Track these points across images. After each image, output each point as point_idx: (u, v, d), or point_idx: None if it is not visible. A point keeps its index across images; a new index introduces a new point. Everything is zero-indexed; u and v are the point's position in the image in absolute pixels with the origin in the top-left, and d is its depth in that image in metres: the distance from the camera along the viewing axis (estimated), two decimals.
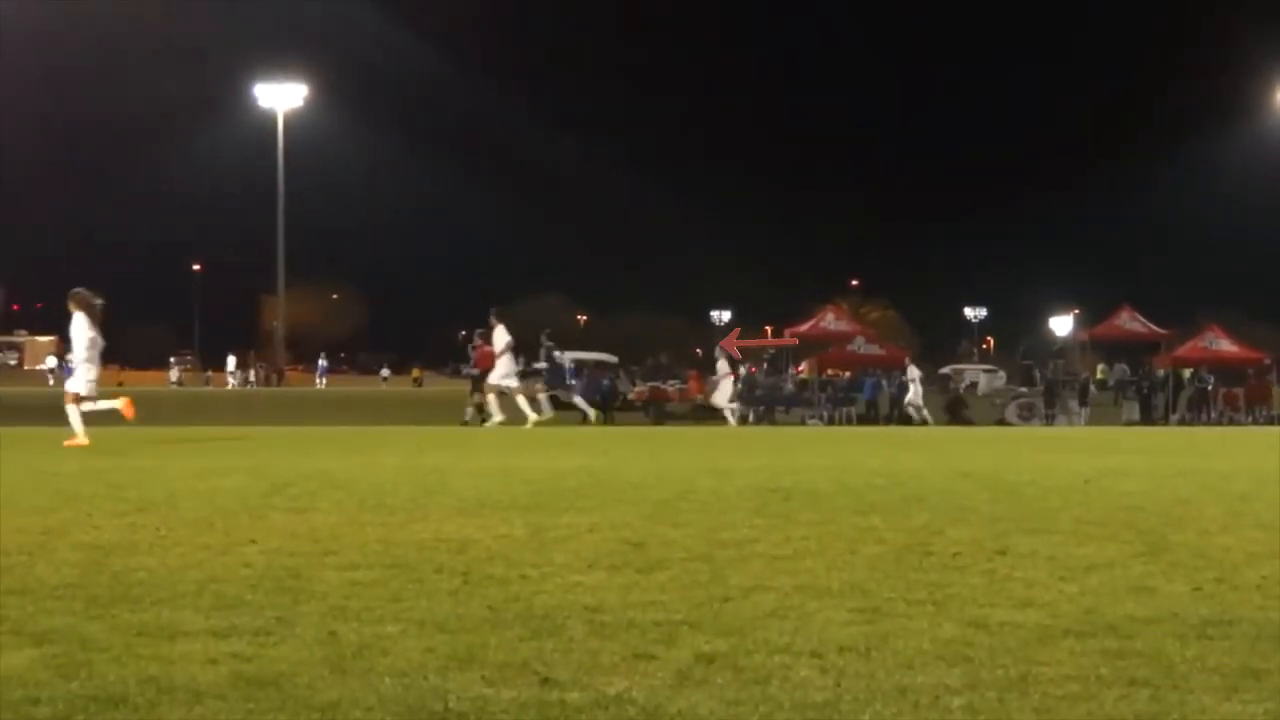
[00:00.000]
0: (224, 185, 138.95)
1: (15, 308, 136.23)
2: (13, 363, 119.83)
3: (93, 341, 22.07)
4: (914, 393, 43.76)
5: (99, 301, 22.41)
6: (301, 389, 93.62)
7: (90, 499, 12.04)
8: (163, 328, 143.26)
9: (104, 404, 22.32)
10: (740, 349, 39.49)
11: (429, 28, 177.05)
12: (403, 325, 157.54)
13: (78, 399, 21.94)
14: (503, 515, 10.63)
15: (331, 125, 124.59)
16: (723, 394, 39.80)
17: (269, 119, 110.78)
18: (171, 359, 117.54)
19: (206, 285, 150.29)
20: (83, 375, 22.13)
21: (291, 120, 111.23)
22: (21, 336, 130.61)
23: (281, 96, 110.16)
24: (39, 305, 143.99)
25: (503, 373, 31.80)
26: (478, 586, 7.19)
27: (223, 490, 13.05)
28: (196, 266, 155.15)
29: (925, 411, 42.80)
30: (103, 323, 22.53)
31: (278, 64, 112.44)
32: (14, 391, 54.81)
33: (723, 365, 40.00)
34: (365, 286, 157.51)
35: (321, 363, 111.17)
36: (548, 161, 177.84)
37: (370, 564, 7.96)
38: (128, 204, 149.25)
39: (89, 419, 21.84)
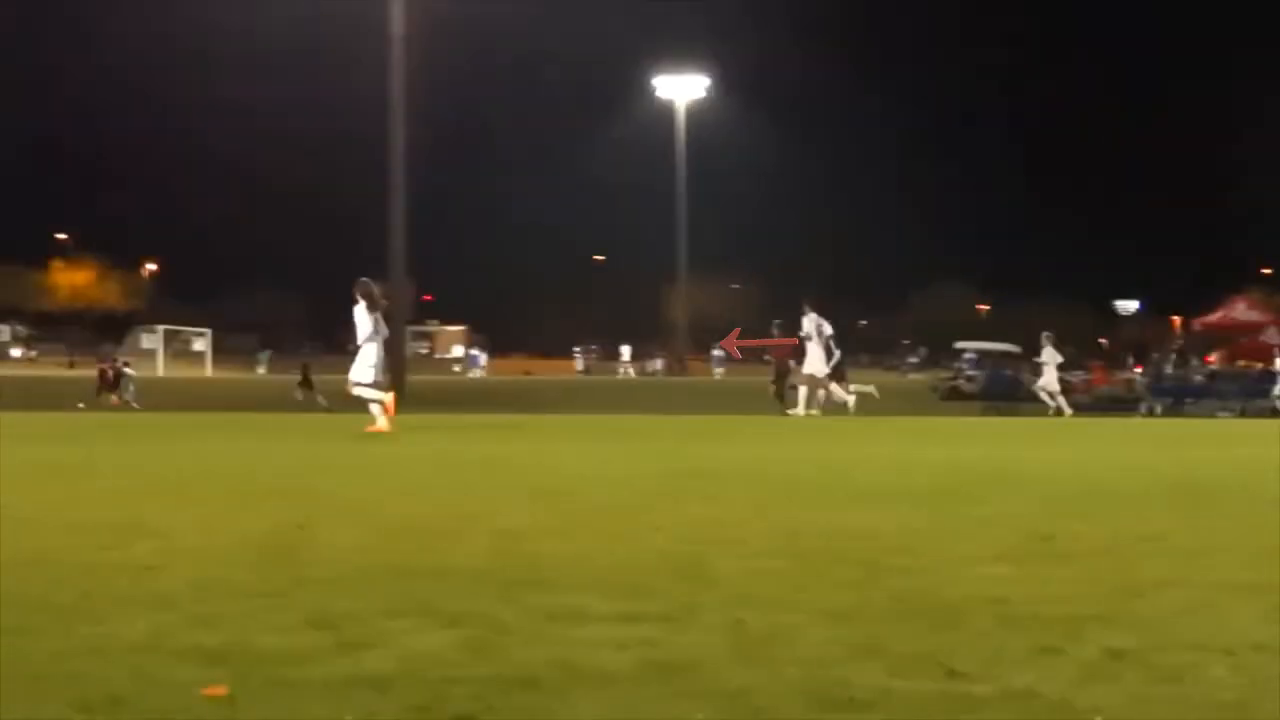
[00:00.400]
0: (626, 176, 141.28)
1: (427, 298, 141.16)
2: (424, 351, 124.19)
3: (375, 329, 22.71)
4: None
5: (378, 292, 23.10)
6: (699, 379, 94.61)
7: (500, 485, 12.37)
8: (568, 318, 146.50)
9: (370, 394, 22.84)
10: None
11: (822, 19, 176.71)
12: (800, 313, 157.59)
13: (359, 385, 22.63)
14: (906, 506, 10.52)
15: (730, 115, 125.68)
16: (1048, 379, 39.02)
17: (670, 110, 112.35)
18: (577, 349, 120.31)
19: (609, 275, 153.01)
20: (363, 362, 22.74)
21: (691, 111, 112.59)
22: (432, 326, 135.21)
23: (682, 88, 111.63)
24: (426, 298, 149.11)
25: (816, 363, 31.73)
26: (881, 577, 7.12)
27: (628, 477, 13.27)
28: (599, 257, 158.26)
29: None
30: (386, 313, 23.23)
31: (678, 56, 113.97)
32: (424, 380, 56.61)
33: (1048, 353, 39.13)
34: (766, 276, 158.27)
35: (717, 352, 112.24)
36: (942, 149, 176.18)
37: (774, 553, 7.97)
38: (533, 195, 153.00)
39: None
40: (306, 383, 43.05)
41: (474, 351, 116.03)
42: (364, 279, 23.43)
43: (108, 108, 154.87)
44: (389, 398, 22.80)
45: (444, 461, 15.70)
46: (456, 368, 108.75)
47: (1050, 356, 38.97)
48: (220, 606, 6.15)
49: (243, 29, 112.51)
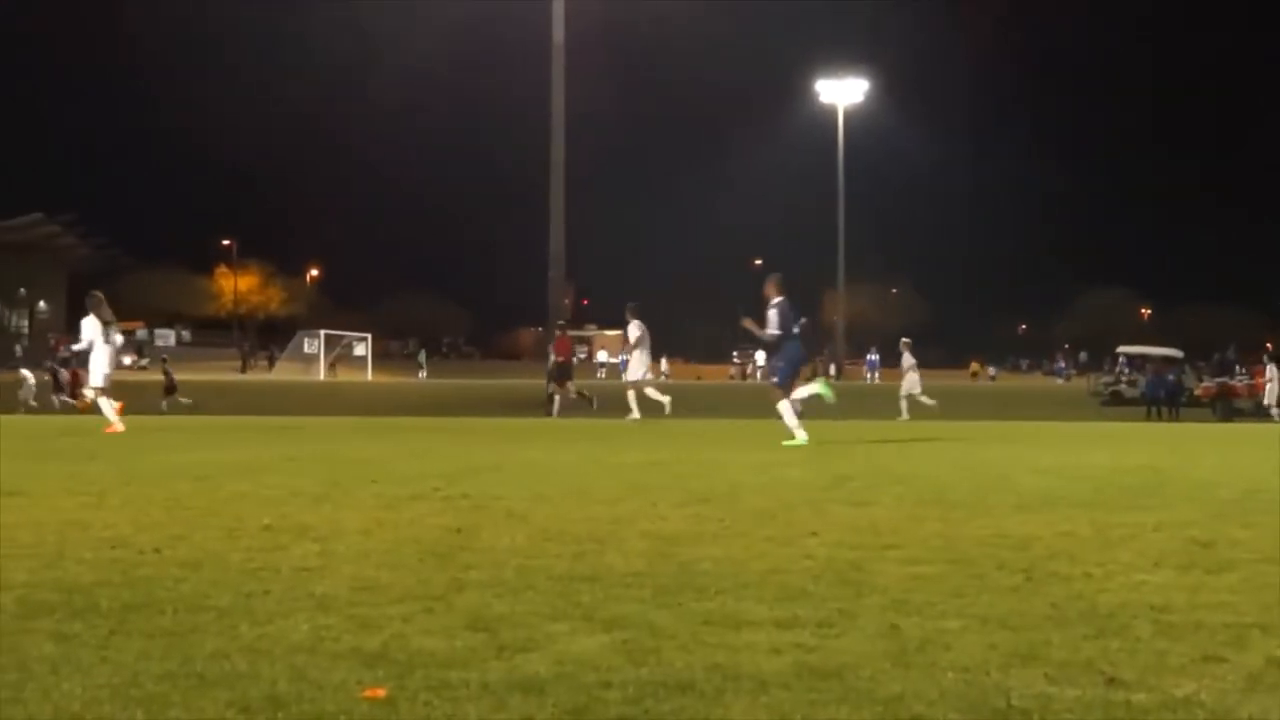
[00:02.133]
0: (785, 180, 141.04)
1: (585, 302, 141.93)
2: (582, 356, 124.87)
3: (105, 338, 24.53)
4: None
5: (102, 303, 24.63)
6: (854, 383, 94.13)
7: (656, 489, 12.40)
8: (724, 323, 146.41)
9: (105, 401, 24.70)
10: None
11: (982, 21, 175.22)
12: (962, 320, 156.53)
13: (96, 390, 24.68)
14: (1065, 512, 10.41)
15: (891, 119, 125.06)
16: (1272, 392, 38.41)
17: (830, 114, 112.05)
18: (734, 354, 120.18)
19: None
20: (97, 369, 24.74)
21: (852, 115, 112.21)
22: (591, 331, 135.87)
23: (842, 92, 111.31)
24: (584, 301, 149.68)
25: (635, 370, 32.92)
26: (1040, 584, 7.05)
27: (784, 482, 13.24)
28: (758, 261, 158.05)
29: None
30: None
31: (839, 59, 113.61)
32: (579, 385, 56.80)
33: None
34: (925, 281, 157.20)
35: (871, 357, 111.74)
36: (1105, 151, 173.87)
37: (931, 559, 7.92)
38: (692, 199, 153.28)
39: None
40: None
41: (626, 356, 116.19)
42: (94, 292, 25.04)
43: (271, 117, 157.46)
44: (94, 397, 24.72)
45: (600, 466, 15.76)
46: (601, 373, 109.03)
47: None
48: (380, 609, 6.23)
49: (403, 38, 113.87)
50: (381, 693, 4.70)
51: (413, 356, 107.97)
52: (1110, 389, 59.34)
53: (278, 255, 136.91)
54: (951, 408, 41.85)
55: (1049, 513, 10.38)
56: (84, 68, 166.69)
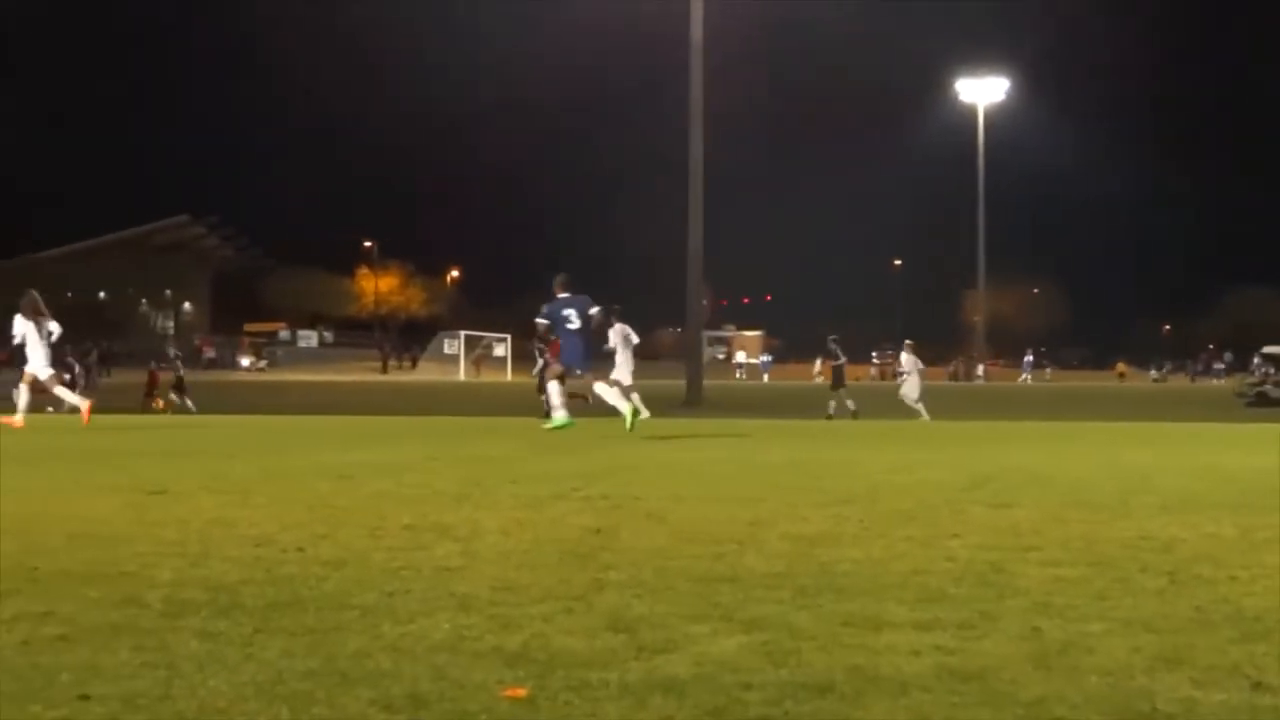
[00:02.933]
0: (925, 180, 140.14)
1: (724, 303, 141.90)
2: (721, 356, 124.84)
3: (39, 334, 25.25)
4: None
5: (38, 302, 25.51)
6: (1002, 384, 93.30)
7: (795, 490, 12.37)
8: (865, 324, 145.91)
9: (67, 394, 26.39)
10: None
11: (1132, 16, 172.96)
12: (1104, 319, 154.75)
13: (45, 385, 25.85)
14: (1210, 514, 10.25)
15: (1033, 118, 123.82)
16: None
17: (970, 113, 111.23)
18: (874, 355, 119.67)
19: (907, 280, 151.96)
20: (38, 364, 25.49)
21: (992, 114, 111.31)
22: (729, 331, 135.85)
23: (982, 91, 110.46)
24: (745, 300, 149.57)
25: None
26: (1184, 587, 6.95)
27: (923, 483, 13.16)
28: (897, 261, 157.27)
29: None
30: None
31: (979, 58, 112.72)
32: (716, 384, 56.90)
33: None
34: (1067, 280, 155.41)
35: (1027, 358, 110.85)
36: (1252, 146, 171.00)
37: (1073, 561, 7.83)
38: (831, 199, 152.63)
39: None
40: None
41: (765, 357, 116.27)
42: (30, 291, 25.82)
43: (414, 118, 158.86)
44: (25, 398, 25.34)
45: (739, 466, 15.76)
46: (739, 374, 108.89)
47: None
48: (520, 609, 6.26)
49: (544, 38, 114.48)
50: (522, 692, 4.72)
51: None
52: (1256, 390, 58.33)
53: (418, 256, 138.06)
54: (1095, 408, 41.35)
55: (1193, 514, 10.23)
56: (228, 69, 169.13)
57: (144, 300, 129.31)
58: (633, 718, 4.48)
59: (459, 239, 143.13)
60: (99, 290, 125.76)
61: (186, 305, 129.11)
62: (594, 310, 23.36)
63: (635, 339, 33.84)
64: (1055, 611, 6.23)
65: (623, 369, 33.54)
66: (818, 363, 52.41)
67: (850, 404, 39.70)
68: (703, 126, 50.63)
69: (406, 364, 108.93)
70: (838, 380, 41.43)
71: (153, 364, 51.16)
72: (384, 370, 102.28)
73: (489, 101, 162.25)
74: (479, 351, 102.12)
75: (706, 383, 50.95)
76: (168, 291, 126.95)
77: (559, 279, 23.81)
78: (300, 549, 8.14)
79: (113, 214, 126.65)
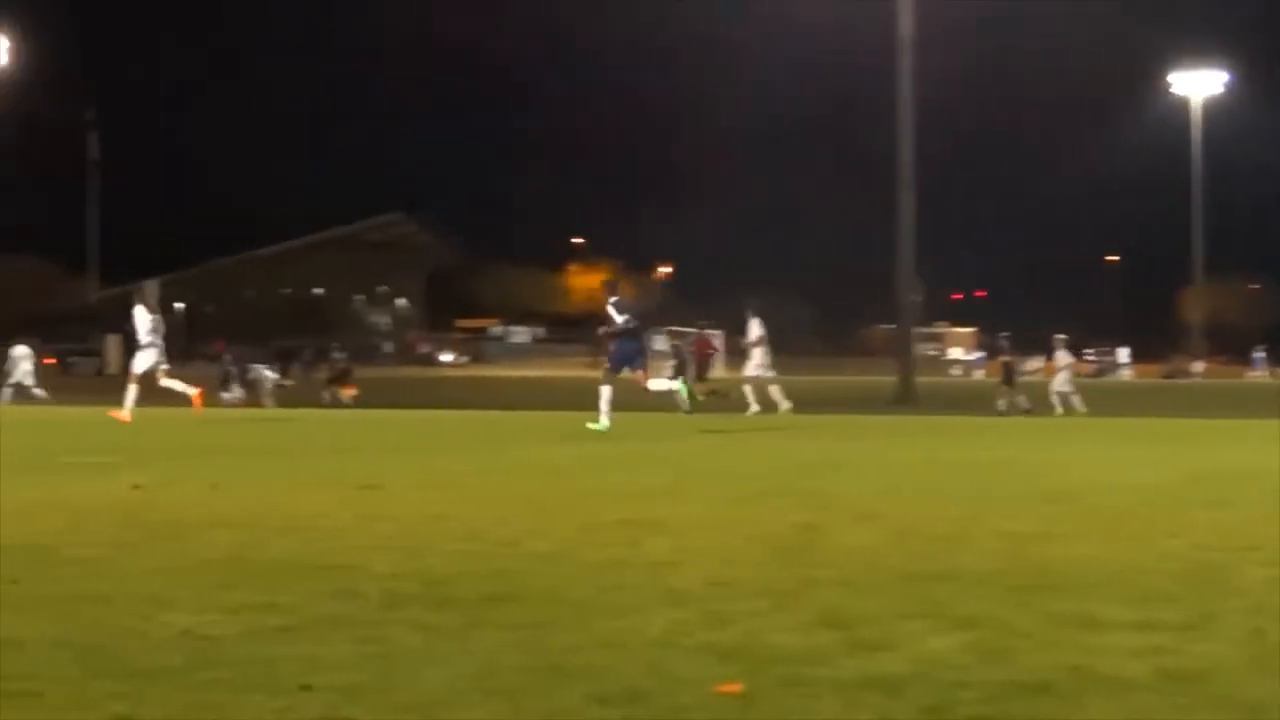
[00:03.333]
0: (1140, 175, 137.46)
1: (956, 297, 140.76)
2: (933, 353, 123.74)
3: (153, 328, 25.61)
4: None
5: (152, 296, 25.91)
6: (1221, 381, 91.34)
7: (1007, 487, 12.24)
8: (1082, 320, 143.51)
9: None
10: None
11: None
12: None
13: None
14: None
15: (1254, 111, 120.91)
16: None
17: (1185, 107, 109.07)
18: (1086, 351, 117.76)
19: (1123, 277, 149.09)
20: (145, 357, 25.61)
21: (1210, 107, 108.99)
22: (941, 327, 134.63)
23: (1198, 84, 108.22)
24: (956, 297, 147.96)
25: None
26: None
27: (1135, 482, 12.93)
28: (1112, 258, 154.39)
29: None
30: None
31: (1196, 51, 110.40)
32: (929, 381, 56.40)
33: None
34: None
35: (1256, 354, 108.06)
36: None
37: None
38: (1045, 194, 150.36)
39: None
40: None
41: (978, 354, 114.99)
42: (144, 283, 26.75)
43: (623, 116, 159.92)
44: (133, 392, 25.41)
45: (950, 463, 15.62)
46: (955, 370, 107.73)
47: None
48: (733, 604, 6.27)
49: (750, 35, 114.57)
50: (737, 688, 4.73)
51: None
52: None
53: (628, 253, 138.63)
54: None
55: None
56: (441, 68, 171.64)
57: (358, 296, 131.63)
58: (847, 715, 4.47)
59: (670, 237, 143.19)
60: (314, 286, 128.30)
61: (401, 301, 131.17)
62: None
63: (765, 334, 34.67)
64: (1277, 613, 6.09)
65: (758, 362, 34.47)
66: (1032, 361, 51.66)
67: (1023, 401, 39.09)
68: (912, 123, 50.21)
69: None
70: (1007, 376, 40.76)
71: (335, 357, 51.96)
72: (594, 366, 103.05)
73: (699, 100, 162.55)
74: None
75: (918, 379, 50.46)
76: (382, 288, 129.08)
77: (609, 283, 25.82)
78: (513, 543, 8.23)
79: (329, 211, 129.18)
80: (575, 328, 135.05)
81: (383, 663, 5.08)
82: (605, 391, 22.96)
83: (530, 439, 21.37)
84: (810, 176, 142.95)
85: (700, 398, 36.82)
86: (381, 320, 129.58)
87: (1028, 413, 36.18)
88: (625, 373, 23.55)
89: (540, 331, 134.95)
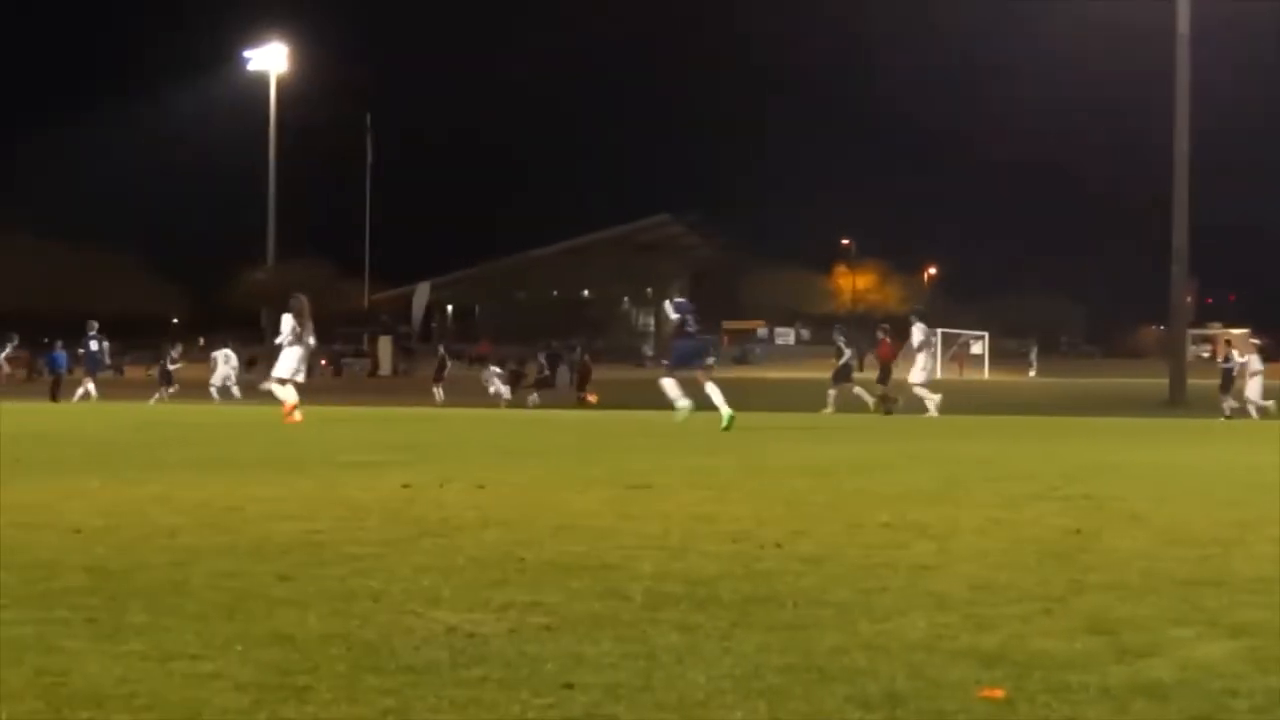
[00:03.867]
0: None
1: (1208, 300, 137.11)
2: (1205, 355, 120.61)
3: (297, 335, 26.51)
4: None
5: (305, 306, 26.95)
6: None
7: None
8: None
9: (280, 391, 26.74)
10: None
11: None
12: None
13: (274, 382, 27.58)
14: None
15: None
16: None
17: None
18: None
19: None
20: (284, 362, 26.91)
21: None
22: (1215, 329, 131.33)
23: None
24: (1231, 298, 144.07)
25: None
26: None
27: None
28: None
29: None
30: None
31: None
32: (1201, 384, 54.94)
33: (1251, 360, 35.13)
34: None
35: None
36: None
37: None
38: None
39: None
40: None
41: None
42: (297, 295, 27.35)
43: (892, 117, 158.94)
44: (292, 396, 26.04)
45: (1225, 466, 15.24)
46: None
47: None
48: (997, 609, 6.20)
49: (1017, 32, 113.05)
50: (1000, 693, 4.68)
51: (1026, 355, 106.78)
52: None
53: (896, 254, 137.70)
54: None
55: None
56: (710, 69, 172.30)
57: (626, 298, 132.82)
58: None
59: (938, 237, 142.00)
60: (584, 288, 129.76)
61: (667, 304, 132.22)
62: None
63: (933, 340, 36.09)
64: None
65: (921, 369, 35.05)
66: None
67: (1232, 403, 38.01)
68: (1188, 119, 49.14)
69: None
70: (1226, 382, 39.62)
71: (585, 357, 52.36)
72: (859, 368, 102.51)
73: (968, 100, 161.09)
74: (955, 350, 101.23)
75: (1191, 382, 49.31)
76: (649, 290, 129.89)
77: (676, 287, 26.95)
78: (778, 545, 8.23)
79: (600, 213, 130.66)
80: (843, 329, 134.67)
81: (644, 662, 5.12)
82: (668, 384, 24.64)
83: (798, 440, 21.35)
84: (1085, 175, 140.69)
85: (873, 401, 36.66)
86: (648, 322, 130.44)
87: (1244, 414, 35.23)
88: (685, 371, 24.76)
89: (805, 333, 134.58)
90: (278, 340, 27.81)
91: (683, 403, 23.58)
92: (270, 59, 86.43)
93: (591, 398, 44.44)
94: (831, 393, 38.07)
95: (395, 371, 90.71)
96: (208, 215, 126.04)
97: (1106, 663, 5.14)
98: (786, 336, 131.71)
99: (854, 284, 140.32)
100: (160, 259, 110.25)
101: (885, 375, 37.58)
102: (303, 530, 8.75)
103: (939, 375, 34.07)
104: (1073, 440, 21.60)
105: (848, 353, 40.09)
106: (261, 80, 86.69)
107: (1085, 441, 21.03)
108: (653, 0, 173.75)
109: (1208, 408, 38.46)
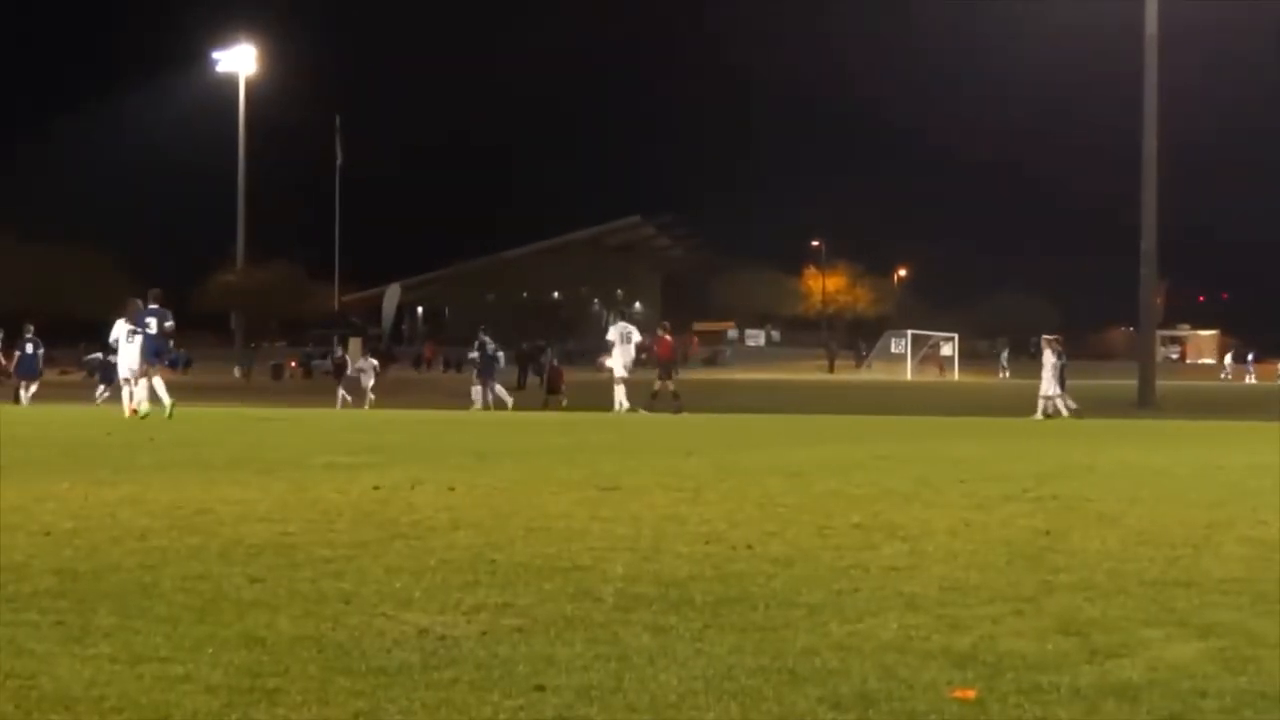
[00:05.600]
0: None
1: (1200, 299, 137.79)
2: (1174, 357, 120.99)
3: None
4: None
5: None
6: None
7: (1257, 494, 11.94)
8: None
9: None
10: None
11: None
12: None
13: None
14: None
15: None
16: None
17: None
18: None
19: None
20: None
21: None
22: (1184, 330, 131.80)
23: None
24: (1200, 299, 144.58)
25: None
26: None
27: None
28: None
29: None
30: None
31: None
32: (1171, 385, 55.22)
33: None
34: None
35: None
36: None
37: None
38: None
39: None
40: None
41: (1249, 356, 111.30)
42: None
43: (849, 118, 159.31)
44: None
45: (1194, 469, 15.29)
46: (1225, 375, 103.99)
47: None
48: (969, 610, 6.22)
49: (994, 36, 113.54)
50: (971, 694, 4.69)
51: (998, 356, 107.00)
52: None
53: (867, 256, 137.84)
54: None
55: None
56: (681, 71, 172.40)
57: (596, 300, 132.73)
58: None
59: (908, 239, 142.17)
60: (555, 289, 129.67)
61: (637, 305, 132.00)
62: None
63: (637, 336, 37.47)
64: None
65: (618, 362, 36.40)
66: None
67: None
68: (1156, 122, 49.27)
69: (849, 363, 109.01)
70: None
71: (554, 360, 52.21)
72: (830, 369, 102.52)
73: (935, 100, 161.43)
74: (925, 351, 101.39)
75: (1160, 383, 49.48)
76: (619, 291, 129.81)
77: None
78: (749, 546, 8.24)
79: (570, 215, 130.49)
80: (812, 330, 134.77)
81: (616, 664, 5.12)
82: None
83: (769, 441, 21.37)
84: (1053, 176, 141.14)
85: None
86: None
87: None
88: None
89: (776, 334, 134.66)
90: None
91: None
92: (239, 60, 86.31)
93: (563, 401, 44.38)
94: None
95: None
96: (178, 216, 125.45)
97: (1077, 663, 5.16)
98: (757, 338, 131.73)
99: (824, 285, 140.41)
100: (131, 259, 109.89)
101: (666, 373, 38.12)
102: (274, 532, 8.73)
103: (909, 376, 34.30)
104: (1043, 441, 21.65)
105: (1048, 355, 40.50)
106: (232, 81, 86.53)
107: (1056, 443, 21.08)
108: (625, 1, 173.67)
109: (1177, 409, 38.58)
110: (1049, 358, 36.68)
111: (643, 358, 41.47)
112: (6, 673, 4.88)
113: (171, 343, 29.75)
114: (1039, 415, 35.02)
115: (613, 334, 36.93)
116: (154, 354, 27.60)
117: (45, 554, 7.69)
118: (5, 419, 25.67)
